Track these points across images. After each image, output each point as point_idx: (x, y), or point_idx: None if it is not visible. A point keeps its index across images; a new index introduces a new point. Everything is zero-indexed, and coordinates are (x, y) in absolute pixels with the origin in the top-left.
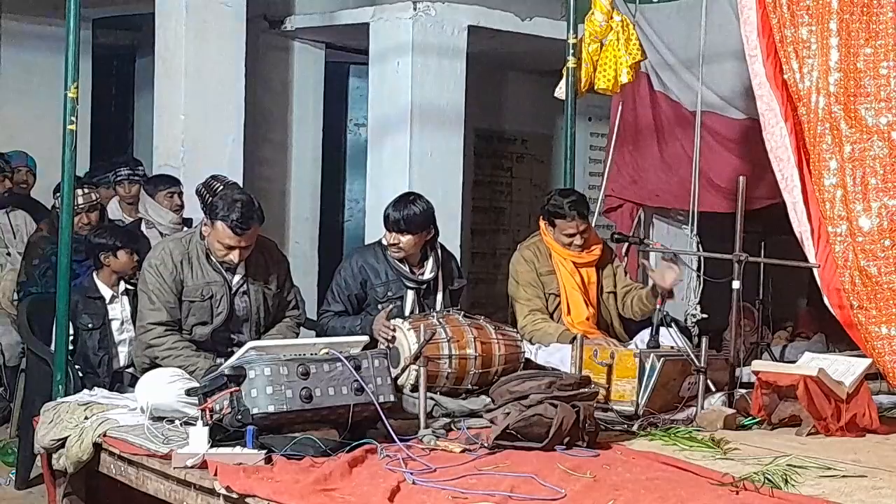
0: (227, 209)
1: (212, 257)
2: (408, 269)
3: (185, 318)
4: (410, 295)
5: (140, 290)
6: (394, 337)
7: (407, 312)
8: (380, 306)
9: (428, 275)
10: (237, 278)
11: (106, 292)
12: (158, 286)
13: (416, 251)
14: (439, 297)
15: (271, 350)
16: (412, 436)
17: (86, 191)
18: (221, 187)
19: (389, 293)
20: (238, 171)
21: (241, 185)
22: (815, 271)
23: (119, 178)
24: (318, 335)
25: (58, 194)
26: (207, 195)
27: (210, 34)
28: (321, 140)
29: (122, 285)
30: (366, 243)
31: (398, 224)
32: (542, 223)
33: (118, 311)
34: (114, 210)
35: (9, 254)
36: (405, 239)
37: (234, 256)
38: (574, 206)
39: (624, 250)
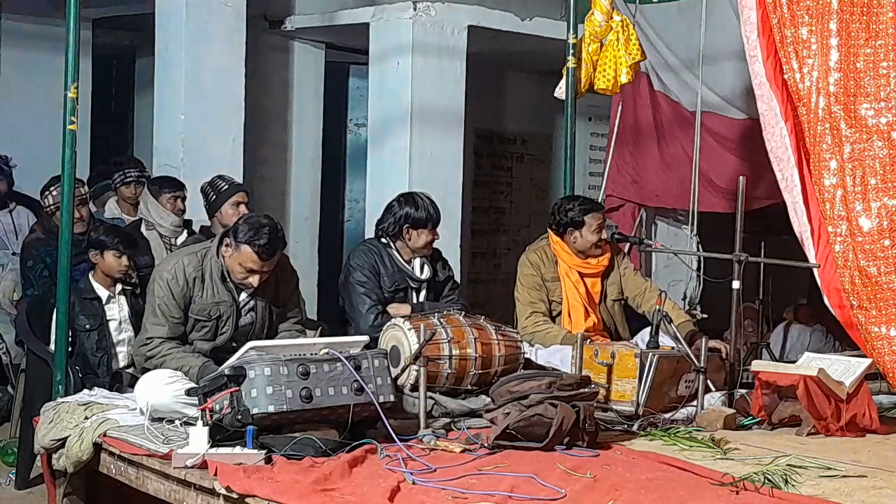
0: (254, 234)
1: (227, 278)
2: (411, 269)
3: (188, 333)
4: (411, 293)
5: (147, 298)
6: None
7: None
8: (388, 296)
9: (426, 274)
10: (244, 296)
11: (102, 293)
12: (166, 300)
13: None
14: (423, 293)
15: (271, 350)
16: (412, 436)
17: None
18: (226, 187)
19: (396, 285)
20: (238, 171)
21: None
22: (815, 271)
23: (128, 180)
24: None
25: (45, 193)
26: (212, 194)
27: (210, 34)
28: (321, 140)
29: (119, 285)
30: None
31: (437, 220)
32: (553, 237)
33: (115, 311)
34: (112, 209)
35: (14, 253)
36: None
37: (253, 280)
38: (591, 207)
39: (626, 250)
